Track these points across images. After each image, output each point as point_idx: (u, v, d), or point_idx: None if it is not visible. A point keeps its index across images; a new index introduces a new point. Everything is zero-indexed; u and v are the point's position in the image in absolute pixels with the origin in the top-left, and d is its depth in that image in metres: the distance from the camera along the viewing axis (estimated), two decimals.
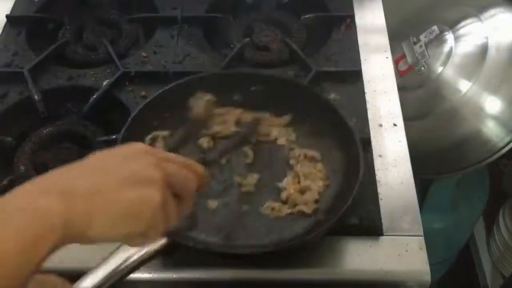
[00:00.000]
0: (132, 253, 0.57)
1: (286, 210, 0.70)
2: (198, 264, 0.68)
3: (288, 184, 0.73)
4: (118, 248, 0.57)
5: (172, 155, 0.50)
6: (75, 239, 0.41)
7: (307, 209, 0.70)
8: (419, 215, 0.73)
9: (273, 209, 0.71)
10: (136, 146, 0.47)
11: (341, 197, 0.69)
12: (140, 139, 0.75)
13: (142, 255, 0.57)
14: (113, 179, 0.43)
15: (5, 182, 0.76)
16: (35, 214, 0.38)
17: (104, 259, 0.56)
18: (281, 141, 0.78)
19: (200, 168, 0.51)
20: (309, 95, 0.80)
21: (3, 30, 1.00)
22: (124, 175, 0.43)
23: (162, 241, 0.58)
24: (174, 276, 0.68)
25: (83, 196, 0.40)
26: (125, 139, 0.73)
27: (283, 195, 0.72)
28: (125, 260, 0.56)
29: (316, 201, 0.71)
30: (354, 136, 0.72)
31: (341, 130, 0.75)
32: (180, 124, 0.78)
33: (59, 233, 0.39)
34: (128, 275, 0.57)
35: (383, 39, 0.97)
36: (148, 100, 0.79)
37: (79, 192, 0.41)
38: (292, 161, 0.76)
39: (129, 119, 0.75)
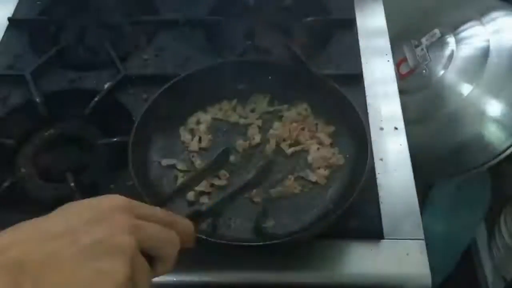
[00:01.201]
0: None
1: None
2: (197, 266, 0.68)
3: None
4: None
5: (155, 211, 0.45)
6: None
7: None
8: (420, 219, 0.73)
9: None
10: (112, 201, 0.42)
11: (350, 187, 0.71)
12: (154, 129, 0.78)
13: None
14: (73, 248, 0.38)
15: (6, 184, 0.77)
16: None
17: None
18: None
19: (186, 225, 0.47)
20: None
21: (5, 33, 1.01)
22: (86, 243, 0.38)
23: None
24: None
25: (33, 271, 0.36)
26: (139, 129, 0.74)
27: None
28: None
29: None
30: (363, 124, 0.74)
31: (350, 118, 0.76)
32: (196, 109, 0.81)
33: None
34: None
35: (384, 42, 0.97)
36: (163, 88, 0.80)
37: (30, 265, 0.36)
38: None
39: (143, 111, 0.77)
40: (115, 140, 0.82)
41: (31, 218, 0.72)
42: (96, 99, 0.87)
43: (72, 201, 0.71)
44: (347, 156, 0.77)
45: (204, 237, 0.62)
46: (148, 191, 0.68)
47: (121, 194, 0.74)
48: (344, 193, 0.71)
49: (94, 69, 0.94)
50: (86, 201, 0.43)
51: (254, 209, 0.71)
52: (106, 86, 0.89)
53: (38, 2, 1.06)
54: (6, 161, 0.82)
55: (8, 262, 0.36)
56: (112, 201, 0.42)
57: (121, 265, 0.38)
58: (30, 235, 0.38)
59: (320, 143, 0.78)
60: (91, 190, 0.79)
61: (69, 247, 0.38)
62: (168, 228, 0.44)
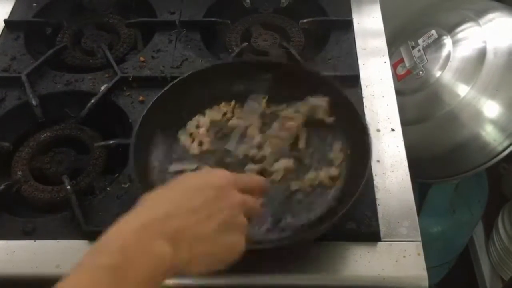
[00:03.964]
0: None
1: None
2: None
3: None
4: None
5: (247, 180, 0.58)
6: (175, 274, 0.48)
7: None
8: (417, 221, 0.72)
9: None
10: (225, 179, 0.54)
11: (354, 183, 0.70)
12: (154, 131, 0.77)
13: None
14: (211, 223, 0.49)
15: (2, 187, 0.76)
16: (153, 260, 0.45)
17: None
18: None
19: (262, 182, 0.61)
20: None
21: (1, 35, 1.00)
22: (221, 220, 0.50)
23: None
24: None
25: (187, 242, 0.47)
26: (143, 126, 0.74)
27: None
28: None
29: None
30: (364, 122, 0.74)
31: (351, 118, 0.76)
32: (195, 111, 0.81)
33: (167, 274, 0.46)
34: None
35: (381, 44, 0.97)
36: (164, 90, 0.79)
37: (184, 237, 0.47)
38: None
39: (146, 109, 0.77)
40: (112, 143, 0.81)
41: (28, 220, 0.73)
42: (92, 101, 0.87)
43: (70, 201, 0.72)
44: (348, 153, 0.76)
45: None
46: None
47: (117, 195, 0.75)
48: (346, 192, 0.71)
49: (90, 71, 0.94)
50: (203, 177, 0.56)
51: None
52: (102, 88, 0.89)
53: (34, 4, 1.05)
54: (2, 163, 0.82)
55: (169, 230, 0.47)
56: (224, 178, 0.54)
57: (242, 239, 0.52)
58: (176, 209, 0.49)
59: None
60: (87, 192, 0.78)
61: (208, 222, 0.49)
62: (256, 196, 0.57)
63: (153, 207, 0.49)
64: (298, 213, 0.70)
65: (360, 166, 0.70)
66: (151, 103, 0.77)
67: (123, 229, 0.47)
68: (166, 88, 0.79)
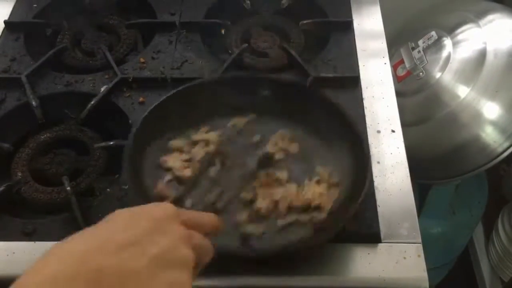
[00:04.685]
0: None
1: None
2: None
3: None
4: None
5: (192, 215, 0.49)
6: None
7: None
8: (417, 222, 0.72)
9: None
10: (165, 211, 0.45)
11: (347, 203, 0.69)
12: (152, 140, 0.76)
13: None
14: (145, 259, 0.40)
15: (2, 188, 0.76)
16: None
17: None
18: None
19: (213, 219, 0.51)
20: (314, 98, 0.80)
21: (1, 36, 1.00)
22: (156, 254, 0.40)
23: None
24: None
25: (111, 281, 0.38)
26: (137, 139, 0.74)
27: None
28: None
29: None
30: (363, 143, 0.73)
31: (350, 136, 0.75)
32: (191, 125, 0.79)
33: None
34: None
35: (381, 45, 0.97)
36: (159, 101, 0.78)
37: (107, 275, 0.38)
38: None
39: (142, 119, 0.76)
40: (112, 144, 0.81)
41: (28, 221, 0.73)
42: (92, 102, 0.87)
43: (70, 202, 0.72)
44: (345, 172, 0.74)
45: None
46: (144, 199, 0.68)
47: (117, 197, 0.75)
48: (343, 206, 0.70)
49: (90, 72, 0.94)
50: (137, 210, 0.45)
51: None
52: (102, 89, 0.89)
53: (34, 5, 1.05)
54: (2, 165, 0.82)
55: (88, 271, 0.37)
56: (165, 210, 0.45)
57: (187, 276, 0.42)
58: (100, 245, 0.39)
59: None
60: (87, 194, 0.78)
61: (140, 258, 0.40)
62: (203, 234, 0.48)
63: (69, 248, 0.39)
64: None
65: (357, 190, 0.68)
66: (152, 106, 0.77)
67: (29, 283, 0.38)
68: (163, 97, 0.79)
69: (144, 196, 0.70)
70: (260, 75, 0.90)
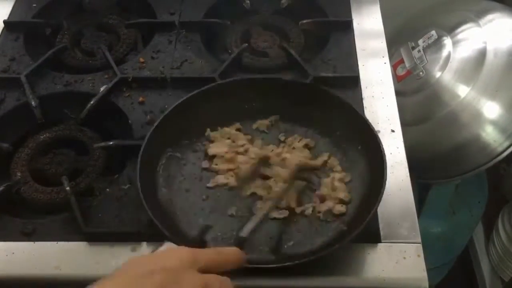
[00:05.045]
0: None
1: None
2: None
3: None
4: None
5: (213, 256, 0.48)
6: None
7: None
8: (417, 222, 0.72)
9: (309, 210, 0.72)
10: (181, 258, 0.44)
11: (365, 205, 0.70)
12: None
13: None
14: None
15: (1, 188, 0.76)
16: None
17: None
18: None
19: (236, 256, 0.51)
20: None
21: (0, 36, 1.00)
22: None
23: None
24: None
25: None
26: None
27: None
28: None
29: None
30: (381, 146, 0.73)
31: (366, 137, 0.76)
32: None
33: None
34: None
35: (381, 44, 0.97)
36: (176, 104, 0.79)
37: None
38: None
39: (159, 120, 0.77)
40: (111, 144, 0.81)
41: (27, 222, 0.73)
42: (92, 102, 0.87)
43: (70, 202, 0.72)
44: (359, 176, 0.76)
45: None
46: (156, 212, 0.68)
47: (116, 197, 0.75)
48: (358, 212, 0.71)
49: (90, 72, 0.94)
50: (151, 260, 0.45)
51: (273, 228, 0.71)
52: (102, 89, 0.89)
53: (34, 5, 1.05)
54: (1, 165, 0.82)
55: None
56: (180, 258, 0.44)
57: None
58: None
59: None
60: (86, 194, 0.78)
61: None
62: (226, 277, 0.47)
63: None
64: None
65: (373, 196, 0.69)
66: (159, 121, 0.77)
67: None
68: (176, 103, 0.79)
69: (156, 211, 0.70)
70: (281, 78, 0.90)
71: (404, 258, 0.69)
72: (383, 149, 0.72)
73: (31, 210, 0.78)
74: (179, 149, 0.79)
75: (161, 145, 0.77)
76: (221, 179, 0.76)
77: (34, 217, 0.76)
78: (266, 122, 0.83)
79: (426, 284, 0.67)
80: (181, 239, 0.66)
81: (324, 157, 0.78)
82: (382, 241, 0.70)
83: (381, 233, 0.71)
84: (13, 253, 0.70)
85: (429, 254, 0.71)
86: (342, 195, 0.73)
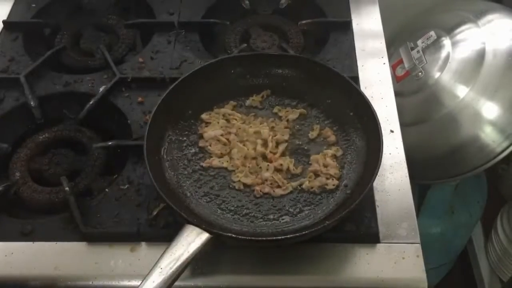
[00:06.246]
0: (180, 253, 0.60)
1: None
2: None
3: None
4: (164, 252, 0.60)
5: None
6: None
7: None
8: (416, 222, 0.72)
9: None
10: None
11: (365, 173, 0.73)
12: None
13: (190, 254, 0.60)
14: None
15: (0, 188, 0.76)
16: None
17: (154, 264, 0.59)
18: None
19: None
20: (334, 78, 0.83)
21: None
22: None
23: (205, 236, 0.62)
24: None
25: None
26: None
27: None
28: (176, 261, 0.60)
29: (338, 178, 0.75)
30: (377, 120, 0.74)
31: (357, 102, 0.78)
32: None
33: None
34: (180, 275, 0.60)
35: (380, 45, 0.97)
36: (177, 82, 0.80)
37: None
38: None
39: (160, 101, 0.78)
40: (111, 144, 0.81)
41: (26, 222, 0.73)
42: (91, 102, 0.87)
43: (69, 203, 0.72)
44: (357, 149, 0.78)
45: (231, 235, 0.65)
46: (165, 192, 0.69)
47: (115, 197, 0.75)
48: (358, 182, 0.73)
49: (89, 72, 0.94)
50: None
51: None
52: (101, 89, 0.89)
53: (33, 5, 1.05)
54: (0, 165, 0.82)
55: None
56: None
57: None
58: None
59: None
60: (86, 194, 0.78)
61: None
62: None
63: None
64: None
65: (372, 161, 0.71)
66: (161, 99, 0.78)
67: None
68: (184, 76, 0.81)
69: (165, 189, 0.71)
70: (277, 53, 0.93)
71: (403, 258, 0.69)
72: (374, 111, 0.75)
73: (30, 210, 0.78)
74: (178, 132, 0.81)
75: (161, 130, 0.79)
76: (215, 161, 0.78)
77: (33, 217, 0.76)
78: (259, 98, 0.85)
79: (425, 284, 0.67)
80: (198, 220, 0.66)
81: (317, 130, 0.81)
82: (381, 241, 0.70)
83: (380, 233, 0.71)
84: (12, 253, 0.70)
85: (428, 254, 0.71)
86: (333, 171, 0.75)
